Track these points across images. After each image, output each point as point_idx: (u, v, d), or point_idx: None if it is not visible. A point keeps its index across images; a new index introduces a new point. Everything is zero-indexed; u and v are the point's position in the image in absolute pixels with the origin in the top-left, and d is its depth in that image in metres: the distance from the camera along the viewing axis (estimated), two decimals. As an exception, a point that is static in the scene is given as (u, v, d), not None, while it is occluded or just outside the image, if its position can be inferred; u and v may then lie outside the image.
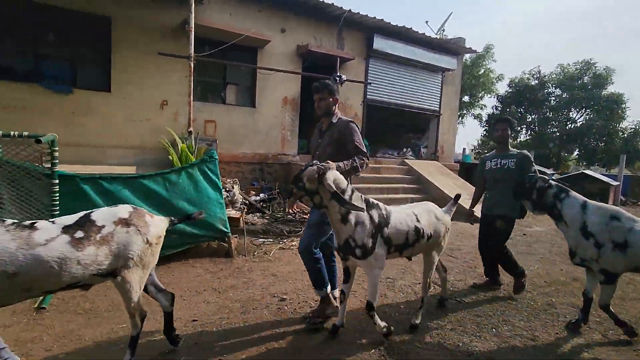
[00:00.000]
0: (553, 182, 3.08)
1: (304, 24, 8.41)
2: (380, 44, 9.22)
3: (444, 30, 16.39)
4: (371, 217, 2.47)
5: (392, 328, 2.65)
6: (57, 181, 3.24)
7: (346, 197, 2.38)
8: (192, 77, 5.64)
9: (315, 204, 2.44)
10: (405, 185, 8.77)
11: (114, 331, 2.67)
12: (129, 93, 6.70)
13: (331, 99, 2.88)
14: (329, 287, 2.93)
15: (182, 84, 7.16)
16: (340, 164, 2.62)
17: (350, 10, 8.36)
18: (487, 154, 3.91)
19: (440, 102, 11.10)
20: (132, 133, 6.74)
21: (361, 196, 2.51)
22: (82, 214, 2.04)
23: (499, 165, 3.62)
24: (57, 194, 3.26)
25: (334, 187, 2.31)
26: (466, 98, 18.79)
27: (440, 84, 11.03)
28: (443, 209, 2.99)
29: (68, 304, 3.04)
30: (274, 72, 7.77)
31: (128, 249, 2.02)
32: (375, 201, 2.60)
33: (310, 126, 9.72)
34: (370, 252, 2.44)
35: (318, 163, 2.42)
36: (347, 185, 2.45)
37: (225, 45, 6.62)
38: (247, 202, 6.20)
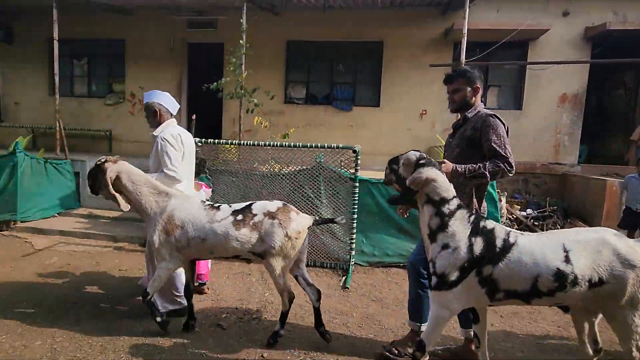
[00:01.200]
0: None
1: (597, -2, 6.64)
2: None
3: None
4: (470, 245, 1.87)
5: None
6: (358, 184, 3.91)
7: (445, 209, 1.91)
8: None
9: (406, 199, 2.05)
10: None
11: (404, 325, 2.88)
12: (394, 106, 7.43)
13: (469, 89, 2.32)
14: (424, 326, 2.42)
15: (440, 92, 7.25)
16: (460, 166, 2.13)
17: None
18: None
19: None
20: (395, 142, 7.42)
21: (468, 216, 1.93)
22: (248, 202, 2.54)
23: None
24: (357, 194, 3.92)
25: (421, 181, 1.88)
26: None
27: None
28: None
29: (363, 290, 3.57)
30: (551, 65, 6.52)
31: (271, 238, 2.36)
32: (493, 226, 1.93)
33: (596, 127, 7.62)
34: (448, 286, 1.89)
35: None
36: (454, 197, 1.95)
37: (496, 45, 6.15)
38: (514, 217, 5.48)
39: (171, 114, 2.88)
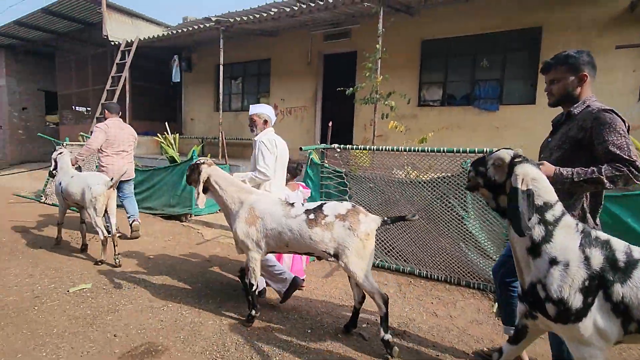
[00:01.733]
0: None
1: None
2: None
3: None
4: (586, 259, 1.49)
5: None
6: (517, 194, 3.32)
7: (549, 216, 1.55)
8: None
9: (498, 207, 1.71)
10: None
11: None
12: (554, 102, 6.21)
13: (572, 78, 1.91)
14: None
15: (626, 80, 5.74)
16: (566, 170, 1.74)
17: None
18: None
19: None
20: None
21: (575, 224, 1.56)
22: (319, 203, 2.62)
23: None
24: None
25: (519, 184, 1.52)
26: None
27: None
28: None
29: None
30: None
31: (344, 240, 2.42)
32: (608, 237, 1.54)
33: None
34: (576, 316, 1.47)
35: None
36: (557, 201, 1.56)
37: None
38: None
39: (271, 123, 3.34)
